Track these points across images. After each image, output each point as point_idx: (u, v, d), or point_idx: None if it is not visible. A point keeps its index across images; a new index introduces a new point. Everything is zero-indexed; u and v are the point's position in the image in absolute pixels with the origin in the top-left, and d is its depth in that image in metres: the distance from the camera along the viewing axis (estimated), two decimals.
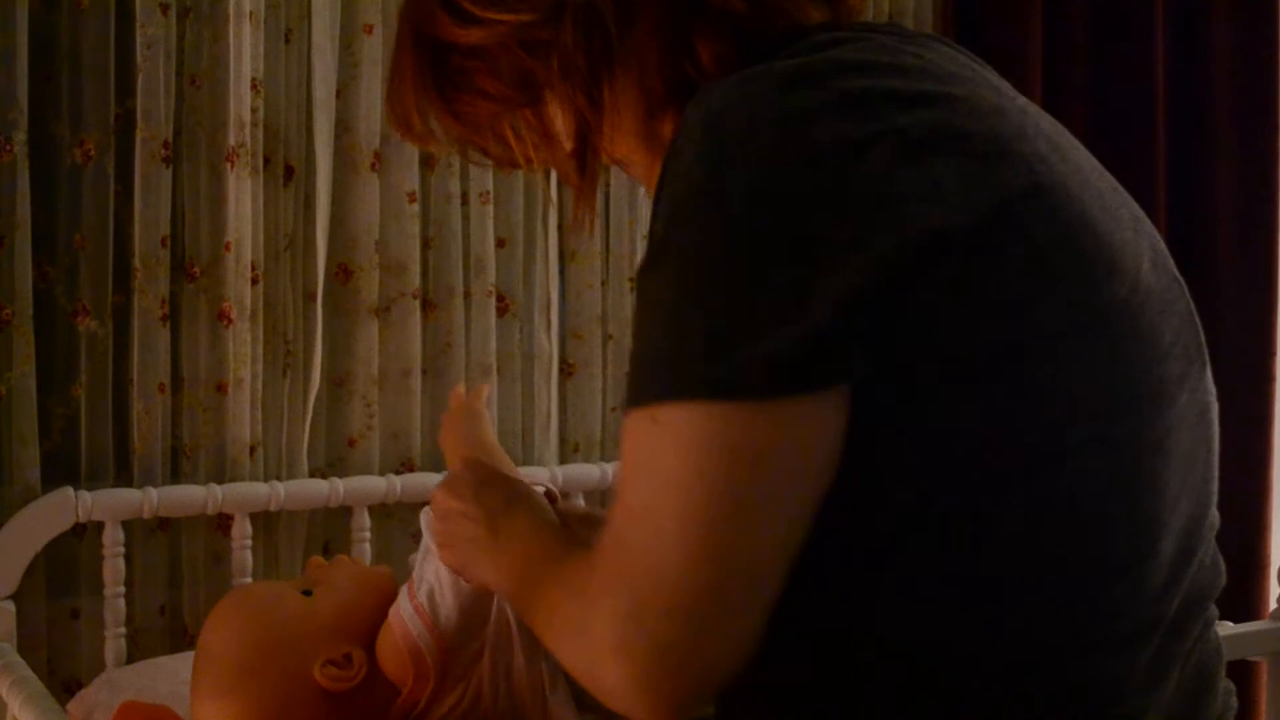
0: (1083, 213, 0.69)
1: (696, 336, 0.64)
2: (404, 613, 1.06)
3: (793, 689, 0.73)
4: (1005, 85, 0.78)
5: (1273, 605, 1.68)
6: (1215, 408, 0.78)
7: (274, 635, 1.11)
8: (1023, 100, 0.77)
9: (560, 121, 0.83)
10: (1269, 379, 2.41)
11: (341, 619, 1.12)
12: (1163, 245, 0.79)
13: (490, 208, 2.10)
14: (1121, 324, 0.69)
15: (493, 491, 0.94)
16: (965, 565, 0.67)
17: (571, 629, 0.70)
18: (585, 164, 0.82)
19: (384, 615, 1.08)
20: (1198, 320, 0.78)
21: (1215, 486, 0.79)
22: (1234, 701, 0.80)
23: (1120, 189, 0.78)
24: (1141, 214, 0.79)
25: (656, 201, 0.70)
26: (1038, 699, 0.68)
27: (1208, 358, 0.78)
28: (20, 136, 1.76)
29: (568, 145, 0.84)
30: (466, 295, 2.08)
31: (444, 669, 1.05)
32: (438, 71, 0.85)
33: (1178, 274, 0.79)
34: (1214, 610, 0.79)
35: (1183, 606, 0.73)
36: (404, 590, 1.07)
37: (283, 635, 1.11)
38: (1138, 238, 0.74)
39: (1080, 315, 0.68)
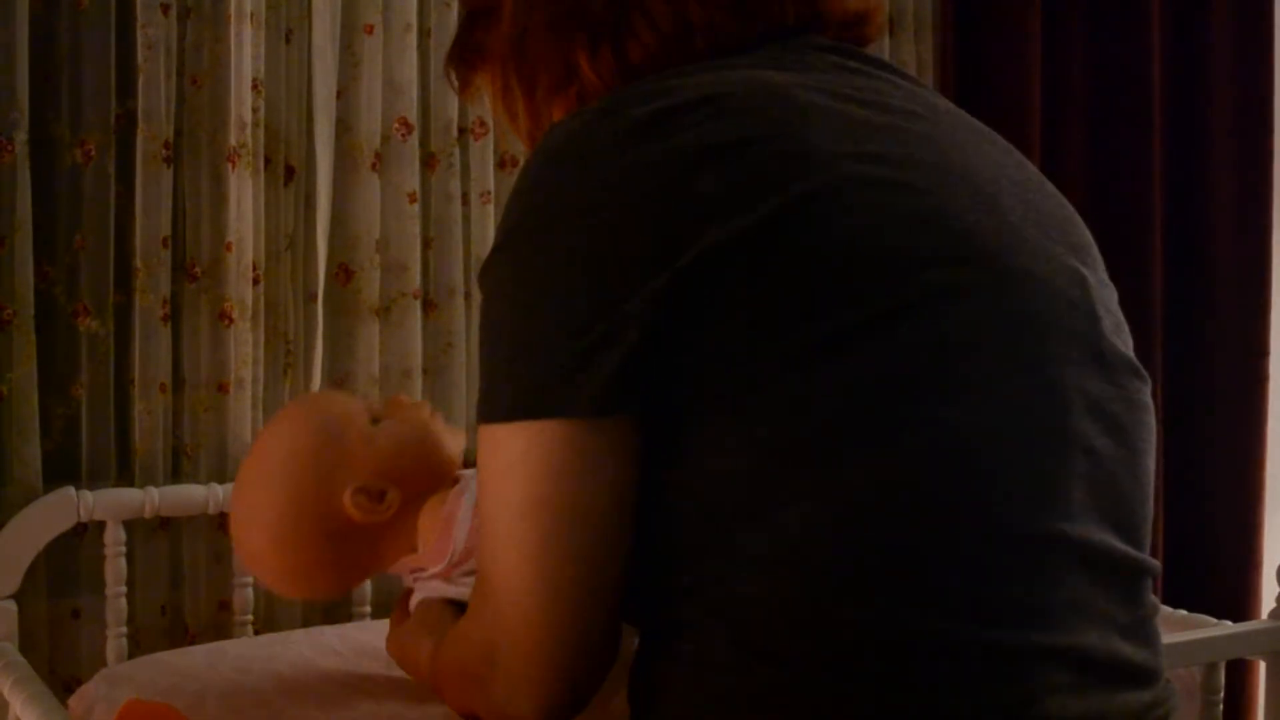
0: (918, 205, 0.71)
1: (512, 362, 0.71)
2: (464, 505, 1.05)
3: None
4: (906, 94, 0.79)
5: (1269, 605, 1.69)
6: (1134, 415, 0.78)
7: (324, 446, 1.14)
8: (917, 106, 0.78)
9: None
10: (1261, 380, 2.41)
11: (393, 458, 1.13)
12: (1073, 239, 0.80)
13: (490, 208, 2.10)
14: (944, 305, 0.70)
15: None
16: (761, 566, 0.69)
17: (456, 654, 0.81)
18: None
19: (433, 474, 1.09)
20: (1103, 322, 0.78)
21: (1136, 497, 0.78)
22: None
23: (1028, 184, 0.79)
24: (1055, 214, 0.80)
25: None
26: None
27: (1132, 365, 0.79)
28: (21, 136, 1.76)
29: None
30: (467, 295, 2.08)
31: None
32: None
33: (1092, 278, 0.79)
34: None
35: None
36: (470, 496, 1.06)
37: (332, 450, 1.14)
38: (1022, 228, 0.75)
39: (886, 302, 0.69)
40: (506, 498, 0.71)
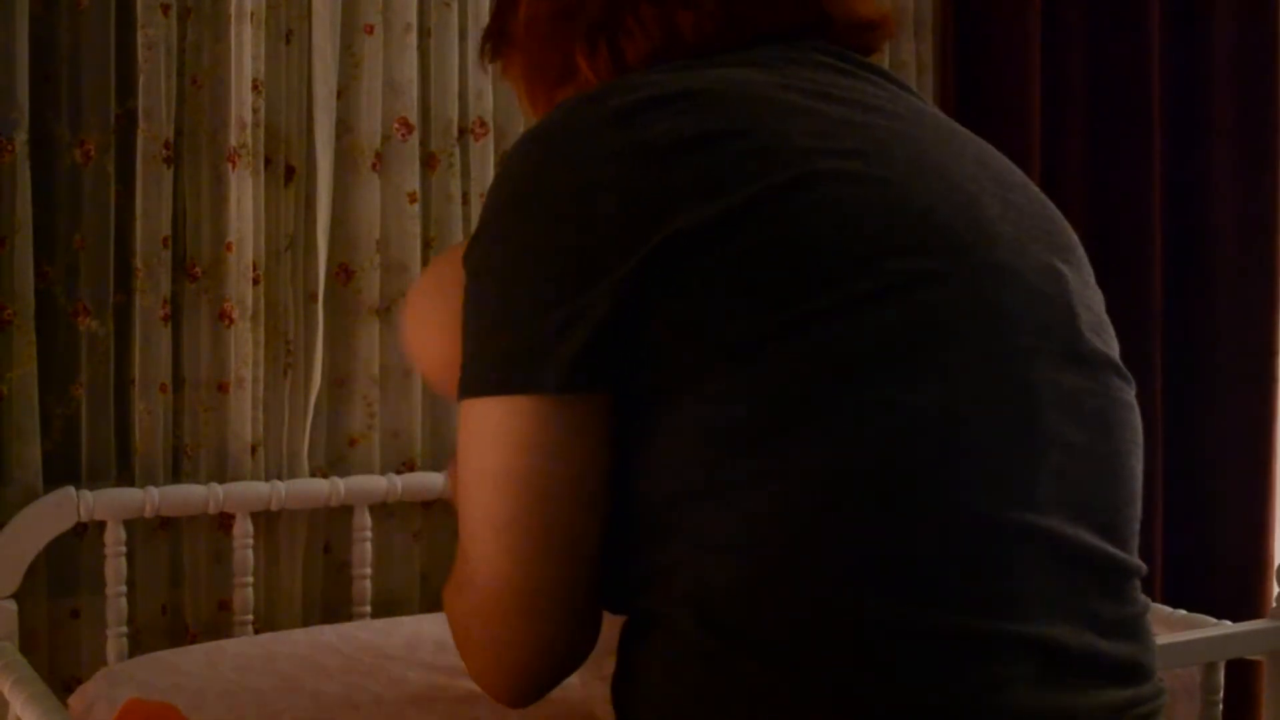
0: (890, 197, 0.72)
1: (489, 339, 0.73)
2: None
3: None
4: (890, 96, 0.81)
5: (1273, 604, 1.69)
6: (1115, 412, 0.78)
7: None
8: (900, 108, 0.79)
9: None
10: (1270, 379, 2.41)
11: None
12: (1058, 237, 0.81)
13: None
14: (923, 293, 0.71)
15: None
16: (721, 538, 0.70)
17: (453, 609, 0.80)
18: None
19: None
20: (1081, 319, 0.78)
21: (1120, 492, 0.78)
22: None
23: (1011, 185, 0.80)
24: (1035, 211, 0.80)
25: None
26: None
27: (1111, 359, 0.79)
28: (21, 136, 1.76)
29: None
30: None
31: None
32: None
33: (1072, 276, 0.79)
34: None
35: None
36: None
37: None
38: (999, 225, 0.76)
39: (851, 288, 0.69)
40: (480, 470, 0.74)
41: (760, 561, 0.69)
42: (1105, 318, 0.82)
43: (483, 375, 0.73)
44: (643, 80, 0.75)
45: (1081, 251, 0.83)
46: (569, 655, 0.78)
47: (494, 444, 0.73)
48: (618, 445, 0.73)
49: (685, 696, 0.71)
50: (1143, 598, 0.80)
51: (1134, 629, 0.77)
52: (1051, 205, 0.84)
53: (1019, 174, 0.83)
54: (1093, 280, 0.83)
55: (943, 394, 0.70)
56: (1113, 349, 0.81)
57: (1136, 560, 0.79)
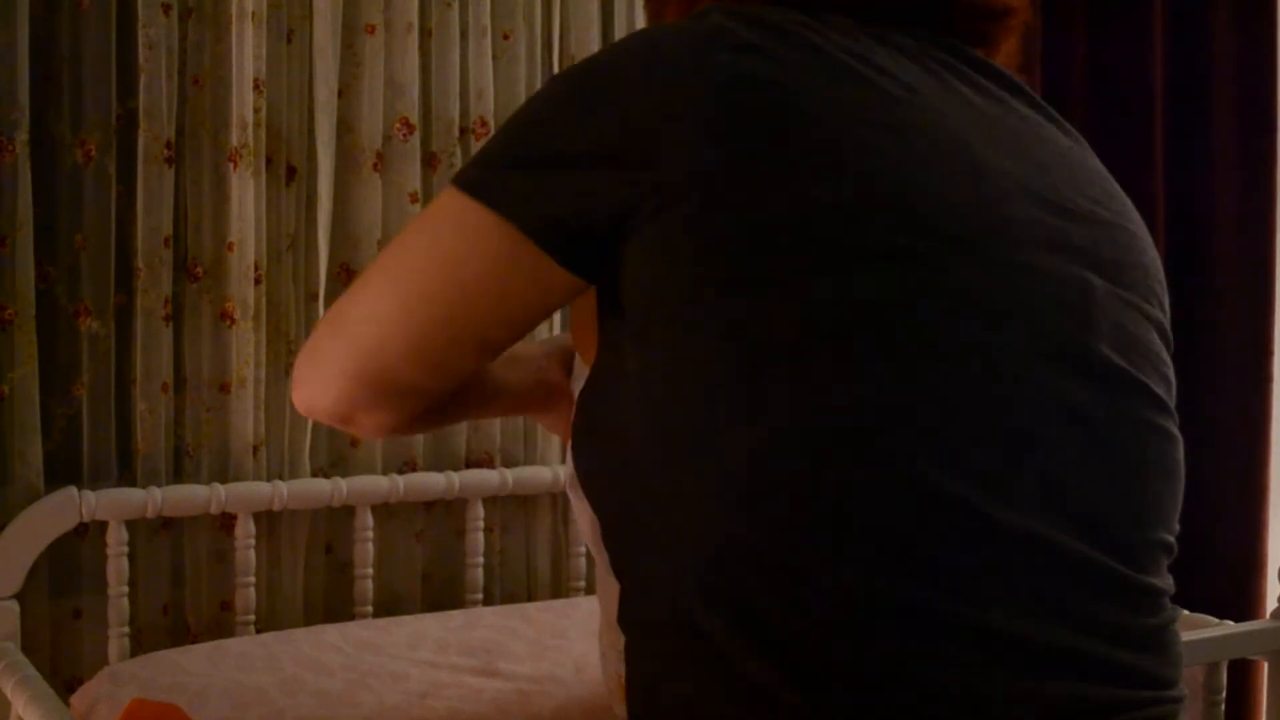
0: (905, 177, 0.73)
1: (502, 153, 0.78)
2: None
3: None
4: (977, 90, 0.81)
5: (1272, 605, 1.69)
6: (1133, 429, 0.78)
7: None
8: (980, 100, 0.80)
9: None
10: (1266, 379, 2.41)
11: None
12: (1128, 248, 0.81)
13: None
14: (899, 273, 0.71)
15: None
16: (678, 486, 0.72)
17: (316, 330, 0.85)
18: None
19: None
20: (1101, 331, 0.77)
21: (1140, 501, 0.78)
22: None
23: (1076, 199, 0.80)
24: (1103, 218, 0.80)
25: None
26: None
27: (1145, 383, 0.78)
28: (21, 136, 1.76)
29: None
30: None
31: None
32: None
33: (1103, 290, 0.78)
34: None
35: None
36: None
37: None
38: (1028, 228, 0.76)
39: (839, 253, 0.70)
40: (425, 235, 0.79)
41: (720, 513, 0.70)
42: (1151, 344, 0.80)
43: (474, 176, 0.77)
44: (750, 12, 0.77)
45: (1153, 279, 0.82)
46: (385, 413, 0.83)
47: (447, 228, 0.77)
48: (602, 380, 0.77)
49: (661, 642, 0.74)
50: (1166, 613, 0.79)
51: (1143, 639, 0.76)
52: (1133, 231, 0.83)
53: (1104, 190, 0.82)
54: (1155, 311, 0.82)
55: (894, 370, 0.70)
56: (1146, 374, 0.79)
57: (1151, 579, 0.78)
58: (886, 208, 0.72)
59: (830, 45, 0.76)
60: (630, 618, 0.78)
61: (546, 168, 0.75)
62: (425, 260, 0.78)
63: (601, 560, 0.85)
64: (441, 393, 0.84)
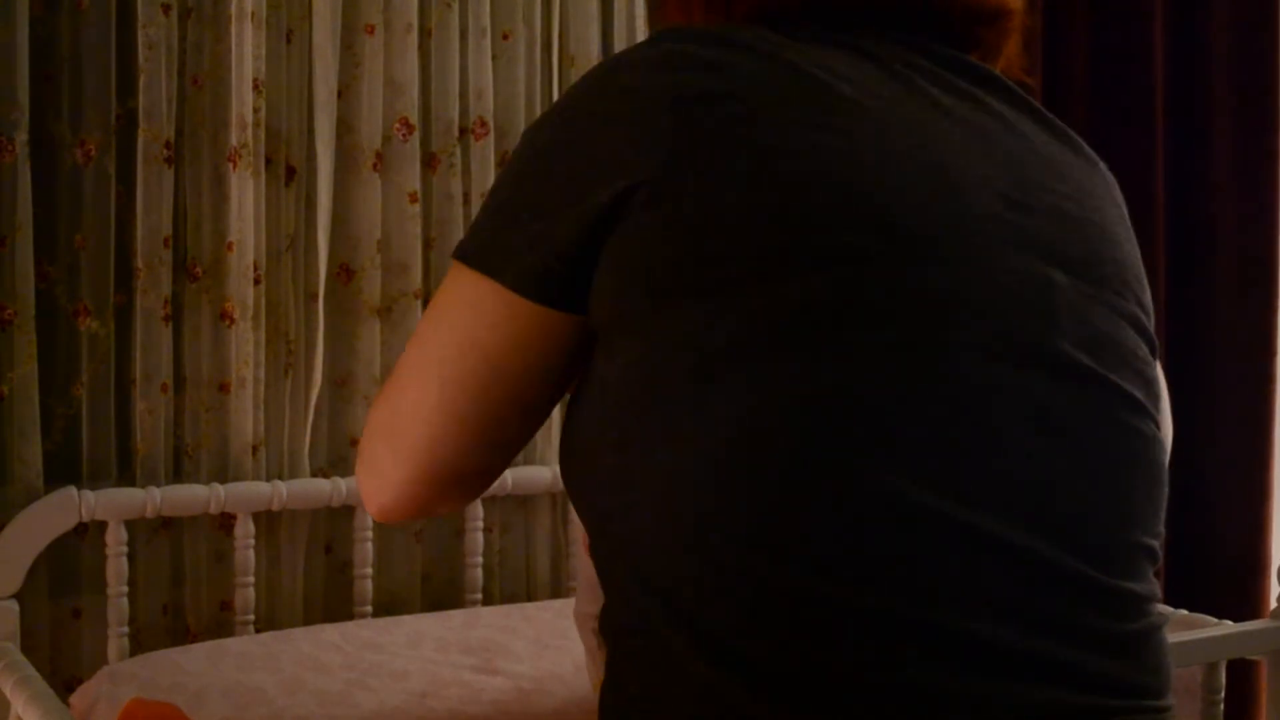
0: (855, 179, 0.73)
1: (489, 216, 0.79)
2: None
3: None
4: (959, 95, 0.80)
5: (1273, 604, 1.69)
6: (1099, 424, 0.76)
7: None
8: (956, 105, 0.79)
9: None
10: (1269, 379, 2.41)
11: None
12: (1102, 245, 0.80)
13: None
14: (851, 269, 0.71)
15: None
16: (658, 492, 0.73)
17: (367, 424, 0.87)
18: None
19: None
20: (1064, 329, 0.76)
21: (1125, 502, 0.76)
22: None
23: (1037, 192, 0.79)
24: (1080, 216, 0.80)
25: None
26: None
27: (1105, 376, 0.77)
28: (21, 136, 1.76)
29: None
30: None
31: None
32: None
33: (1068, 286, 0.77)
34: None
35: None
36: None
37: None
38: (993, 225, 0.75)
39: (786, 256, 0.71)
40: (443, 321, 0.80)
41: (669, 515, 0.71)
42: (1124, 341, 0.79)
43: (471, 247, 0.79)
44: (704, 31, 0.78)
45: (1128, 276, 0.81)
46: (433, 500, 0.84)
47: (462, 308, 0.79)
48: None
49: (631, 643, 0.75)
50: (1148, 619, 0.77)
51: (1119, 646, 0.74)
52: (1107, 226, 0.82)
53: (1080, 186, 0.81)
54: (1130, 307, 0.80)
55: (845, 371, 0.70)
56: (1117, 372, 0.78)
57: (1127, 584, 0.76)
58: (835, 209, 0.71)
59: (787, 53, 0.76)
60: (608, 627, 0.78)
61: (526, 222, 0.76)
62: (449, 347, 0.79)
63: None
64: (505, 464, 0.85)
